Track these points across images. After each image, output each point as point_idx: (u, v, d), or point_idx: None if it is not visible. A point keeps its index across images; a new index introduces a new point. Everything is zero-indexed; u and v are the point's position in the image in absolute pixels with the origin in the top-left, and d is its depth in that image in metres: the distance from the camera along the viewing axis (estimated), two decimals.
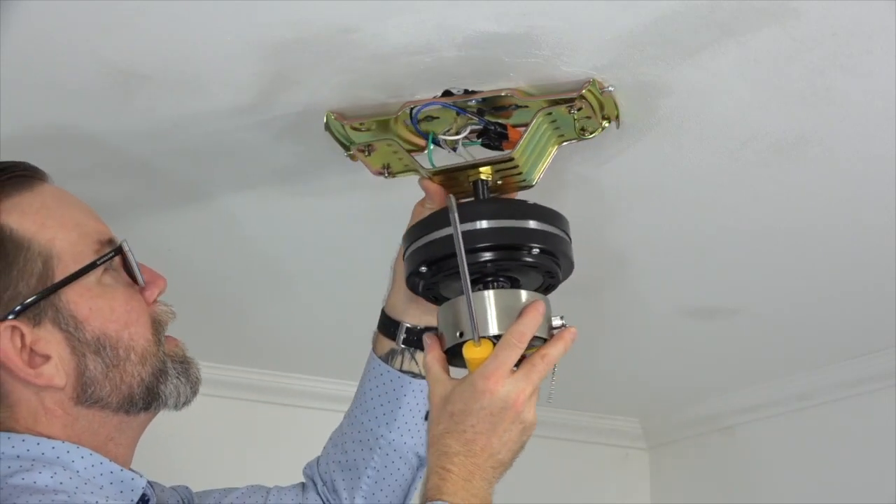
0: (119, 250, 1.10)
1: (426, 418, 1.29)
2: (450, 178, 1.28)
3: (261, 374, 2.38)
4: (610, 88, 1.24)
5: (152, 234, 1.67)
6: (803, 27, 1.13)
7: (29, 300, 1.04)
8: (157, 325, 1.12)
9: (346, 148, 1.35)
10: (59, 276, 1.06)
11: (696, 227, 1.63)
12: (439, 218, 1.21)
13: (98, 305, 1.07)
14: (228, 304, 1.98)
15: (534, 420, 1.14)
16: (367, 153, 1.30)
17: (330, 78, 1.24)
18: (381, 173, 1.34)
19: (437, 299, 1.25)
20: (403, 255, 1.25)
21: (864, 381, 2.21)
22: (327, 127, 1.31)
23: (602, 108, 1.27)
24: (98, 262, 1.08)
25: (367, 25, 1.14)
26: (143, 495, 1.11)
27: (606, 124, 1.29)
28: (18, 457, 1.04)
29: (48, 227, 1.07)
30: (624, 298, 1.92)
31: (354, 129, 1.30)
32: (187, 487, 1.32)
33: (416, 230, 1.23)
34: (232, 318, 2.05)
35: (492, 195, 1.28)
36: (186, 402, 1.14)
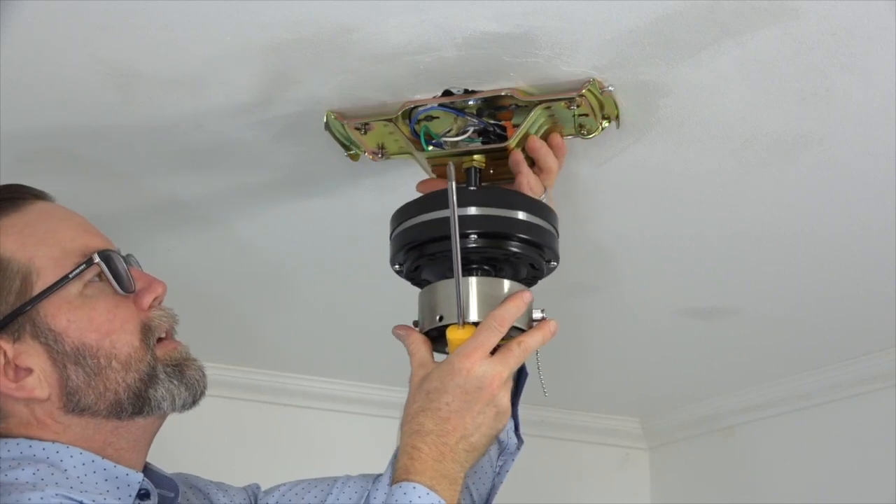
0: (90, 262, 1.11)
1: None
2: (444, 163, 1.28)
3: (260, 375, 2.38)
4: (610, 88, 1.24)
5: (151, 233, 1.67)
6: (803, 27, 1.13)
7: (5, 315, 1.08)
8: (147, 331, 1.13)
9: (347, 148, 1.35)
10: (38, 291, 1.10)
11: (695, 226, 1.63)
12: (429, 201, 1.22)
13: (76, 317, 1.10)
14: (227, 303, 1.98)
15: (507, 408, 1.13)
16: (363, 131, 1.30)
17: (330, 78, 1.24)
18: (376, 154, 1.34)
19: (419, 283, 1.25)
20: (389, 236, 1.25)
21: (864, 381, 2.21)
22: (327, 127, 1.31)
23: (602, 107, 1.27)
24: (70, 276, 1.10)
25: (367, 25, 1.14)
26: (143, 490, 1.12)
27: (606, 124, 1.29)
28: (13, 458, 1.07)
29: (28, 245, 1.11)
30: (624, 298, 1.92)
31: (357, 129, 1.30)
32: (258, 485, 1.34)
33: (406, 211, 1.24)
34: (231, 318, 2.05)
35: (485, 184, 1.28)
36: (186, 405, 1.15)
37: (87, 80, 1.24)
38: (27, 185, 1.18)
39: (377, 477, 1.33)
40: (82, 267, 1.11)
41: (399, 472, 1.10)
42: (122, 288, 1.13)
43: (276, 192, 1.54)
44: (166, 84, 1.26)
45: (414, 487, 1.07)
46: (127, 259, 1.16)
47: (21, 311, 1.09)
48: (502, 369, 1.13)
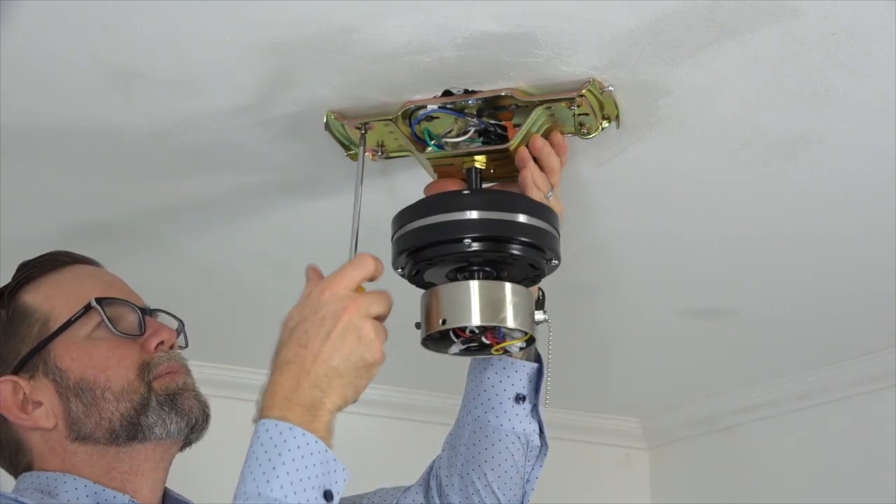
0: (88, 307, 1.22)
1: (517, 401, 1.31)
2: (445, 163, 1.29)
3: (257, 375, 2.37)
4: (610, 88, 1.24)
5: (152, 233, 1.67)
6: (803, 27, 1.13)
7: (22, 356, 1.21)
8: (146, 368, 1.22)
9: (347, 148, 1.35)
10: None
11: (695, 226, 1.63)
12: (428, 205, 1.22)
13: (79, 355, 1.21)
14: (227, 303, 1.98)
15: (373, 341, 1.09)
16: (363, 130, 1.30)
17: (330, 78, 1.24)
18: (375, 152, 1.34)
19: (423, 285, 1.25)
20: (391, 238, 1.26)
21: (864, 381, 2.21)
22: (327, 127, 1.31)
23: (602, 107, 1.27)
24: (73, 320, 1.21)
25: (367, 25, 1.14)
26: None
27: (606, 124, 1.29)
28: (27, 488, 1.20)
29: (53, 297, 1.23)
30: (624, 298, 1.92)
31: (357, 128, 1.30)
32: None
33: (406, 215, 1.23)
34: (230, 317, 2.05)
35: (485, 184, 1.29)
36: (182, 431, 1.22)
37: (87, 80, 1.24)
38: (72, 250, 1.30)
39: (408, 487, 1.37)
40: (80, 312, 1.22)
41: (259, 412, 1.09)
42: (116, 329, 1.22)
43: (277, 192, 1.54)
44: (166, 84, 1.26)
45: (263, 423, 1.06)
46: (147, 311, 1.26)
47: (35, 351, 1.21)
48: (357, 297, 1.11)
